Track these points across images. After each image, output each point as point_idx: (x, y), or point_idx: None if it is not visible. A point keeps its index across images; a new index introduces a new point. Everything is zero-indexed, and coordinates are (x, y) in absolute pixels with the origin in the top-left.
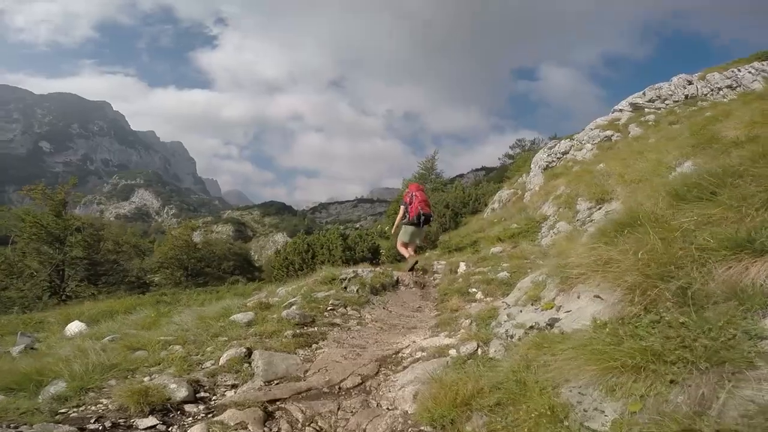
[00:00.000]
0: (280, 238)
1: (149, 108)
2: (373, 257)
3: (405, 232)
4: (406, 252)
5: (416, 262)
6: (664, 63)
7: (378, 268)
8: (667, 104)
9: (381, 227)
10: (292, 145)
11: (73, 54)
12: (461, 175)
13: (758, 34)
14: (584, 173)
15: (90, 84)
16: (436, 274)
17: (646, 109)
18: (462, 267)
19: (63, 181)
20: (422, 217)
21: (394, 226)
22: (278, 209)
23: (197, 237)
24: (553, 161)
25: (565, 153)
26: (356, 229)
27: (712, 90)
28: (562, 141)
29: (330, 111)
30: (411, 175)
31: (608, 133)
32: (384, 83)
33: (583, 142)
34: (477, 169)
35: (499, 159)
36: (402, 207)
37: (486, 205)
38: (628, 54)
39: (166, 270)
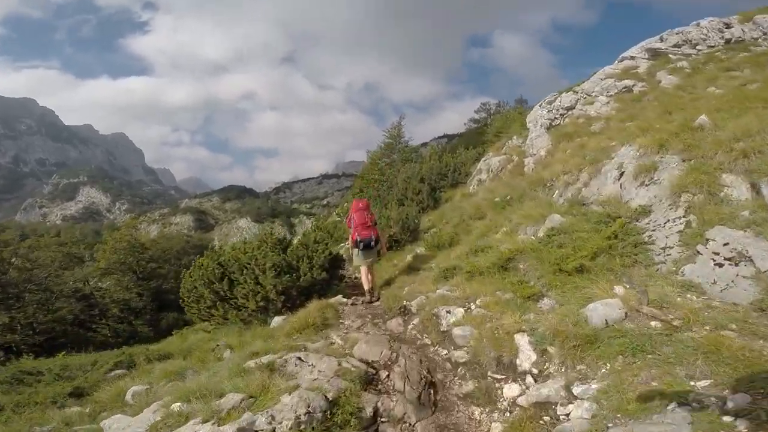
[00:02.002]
0: (244, 223)
1: (81, 101)
2: (331, 279)
3: (355, 256)
4: (363, 277)
5: (373, 296)
6: (610, 28)
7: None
8: (699, 50)
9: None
10: (247, 126)
11: None
12: (425, 144)
13: None
14: (618, 131)
15: (7, 81)
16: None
17: (671, 55)
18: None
19: None
20: (361, 244)
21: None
22: (239, 193)
23: (155, 231)
24: (555, 118)
25: (570, 108)
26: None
27: (765, 33)
28: (563, 94)
29: (285, 87)
30: (376, 146)
31: (627, 82)
32: (341, 55)
33: (593, 94)
34: (440, 137)
35: (464, 124)
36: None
37: (468, 175)
38: (577, 20)
39: (113, 276)
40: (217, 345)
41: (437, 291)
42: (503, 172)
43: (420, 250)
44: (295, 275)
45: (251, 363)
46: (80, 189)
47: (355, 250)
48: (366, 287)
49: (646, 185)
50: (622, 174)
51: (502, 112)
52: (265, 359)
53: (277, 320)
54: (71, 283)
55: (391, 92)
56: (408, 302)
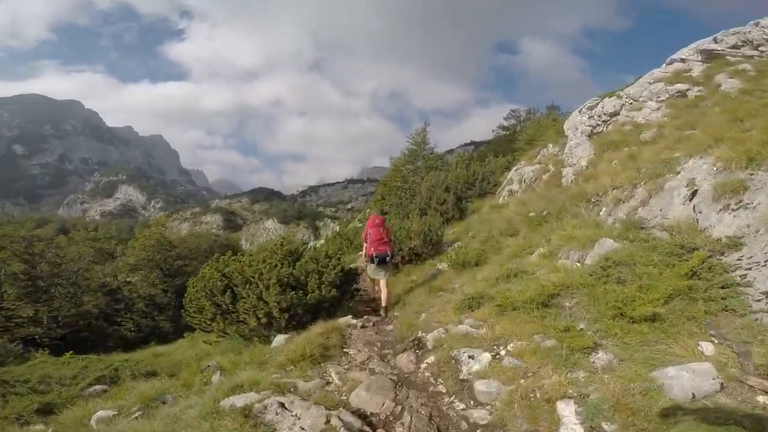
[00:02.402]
0: (271, 224)
1: (124, 104)
2: (342, 296)
3: (369, 269)
4: (374, 290)
5: (386, 315)
6: (643, 34)
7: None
8: (762, 51)
9: (369, 211)
10: (276, 131)
11: (30, 56)
12: (450, 151)
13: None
14: (676, 140)
15: (56, 84)
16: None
17: (729, 57)
18: None
19: (43, 183)
20: (376, 259)
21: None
22: (267, 195)
23: (185, 229)
24: (597, 125)
25: (613, 114)
26: (336, 219)
27: None
28: (605, 99)
29: (312, 94)
30: (400, 152)
31: (680, 86)
32: (366, 63)
33: (640, 99)
34: (466, 144)
35: (492, 131)
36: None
37: (497, 185)
38: (607, 25)
39: (140, 272)
40: (208, 366)
41: (459, 326)
42: (537, 183)
43: (442, 265)
44: (302, 292)
45: (227, 403)
46: (119, 187)
47: (371, 265)
48: (381, 303)
49: (734, 210)
50: (694, 193)
51: (534, 119)
52: (240, 402)
53: (279, 339)
54: (99, 277)
55: (416, 99)
56: (423, 333)
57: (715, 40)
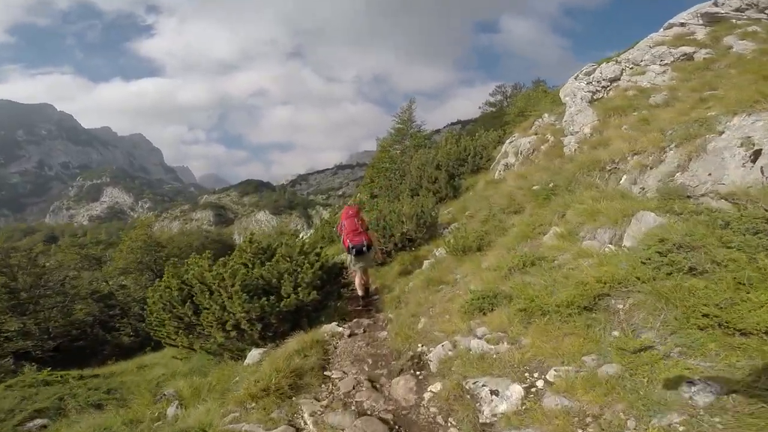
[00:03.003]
0: (263, 216)
1: (98, 104)
2: (325, 297)
3: (350, 262)
4: (357, 282)
5: (369, 304)
6: (622, 12)
7: None
8: None
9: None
10: (260, 121)
11: None
12: (437, 131)
13: None
14: (699, 102)
15: (22, 88)
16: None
17: (733, 20)
18: None
19: (23, 191)
20: (353, 249)
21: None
22: (256, 187)
23: (176, 227)
24: (597, 91)
25: (614, 80)
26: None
27: None
28: (603, 65)
29: (294, 83)
30: (387, 132)
31: (686, 49)
32: (347, 48)
33: (641, 63)
34: (453, 123)
35: (479, 108)
36: None
37: (490, 159)
38: (587, 3)
39: (131, 275)
40: (163, 395)
41: (470, 339)
42: (536, 154)
43: (440, 252)
44: (272, 301)
45: None
46: (104, 190)
47: (349, 257)
48: (360, 293)
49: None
50: (757, 153)
51: (523, 92)
52: None
53: (253, 355)
54: (89, 284)
55: (400, 82)
56: (424, 348)
57: (716, 4)
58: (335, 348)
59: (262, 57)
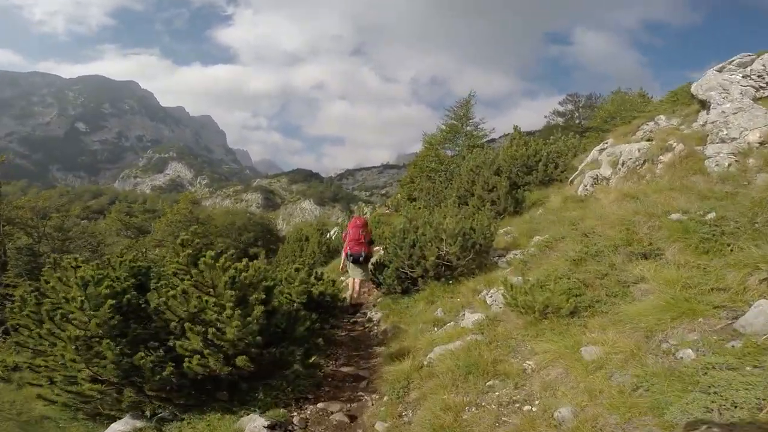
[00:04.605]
0: (307, 205)
1: (176, 85)
2: (279, 360)
3: (348, 267)
4: (351, 287)
5: (357, 306)
6: (715, 30)
7: None
8: None
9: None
10: (318, 114)
11: (93, 40)
12: (492, 140)
13: None
14: None
15: (115, 65)
16: None
17: None
18: None
19: (102, 158)
20: (350, 257)
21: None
22: (305, 176)
23: (227, 205)
24: (761, 87)
25: None
26: (369, 204)
27: None
28: (766, 55)
29: (353, 79)
30: (436, 128)
31: None
32: (407, 48)
33: None
34: (509, 134)
35: (545, 117)
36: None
37: (565, 170)
38: (672, 20)
39: (165, 248)
40: None
41: None
42: (652, 166)
43: (493, 299)
44: (169, 352)
45: None
46: (169, 163)
47: (349, 264)
48: (348, 297)
49: None
50: None
51: (613, 94)
52: None
53: None
54: (119, 252)
55: (458, 87)
56: None
57: None
58: None
59: (326, 52)
